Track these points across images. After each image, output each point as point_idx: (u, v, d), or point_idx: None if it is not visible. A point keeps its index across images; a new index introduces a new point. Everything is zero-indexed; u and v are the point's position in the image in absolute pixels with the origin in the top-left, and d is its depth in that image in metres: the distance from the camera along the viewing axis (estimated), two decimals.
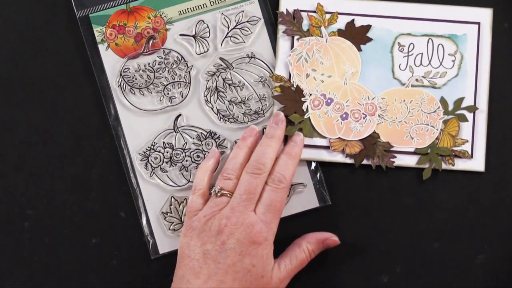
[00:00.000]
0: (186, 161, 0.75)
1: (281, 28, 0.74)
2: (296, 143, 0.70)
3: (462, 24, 0.74)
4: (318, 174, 0.75)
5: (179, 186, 0.75)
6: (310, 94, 0.74)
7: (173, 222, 0.75)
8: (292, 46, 0.74)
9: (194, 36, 0.75)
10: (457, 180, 0.75)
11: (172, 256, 0.73)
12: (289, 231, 0.72)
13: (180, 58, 0.75)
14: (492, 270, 0.73)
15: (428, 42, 0.74)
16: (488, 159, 0.74)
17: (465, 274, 0.74)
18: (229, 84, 0.75)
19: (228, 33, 0.75)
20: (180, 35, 0.75)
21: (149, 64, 0.75)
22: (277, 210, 0.66)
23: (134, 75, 0.74)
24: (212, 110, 0.75)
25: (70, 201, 0.75)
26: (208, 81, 0.75)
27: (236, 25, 0.75)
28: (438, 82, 0.74)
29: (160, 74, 0.75)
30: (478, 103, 0.74)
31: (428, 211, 0.75)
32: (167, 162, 0.74)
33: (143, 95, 0.75)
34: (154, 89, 0.74)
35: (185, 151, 0.75)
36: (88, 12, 0.74)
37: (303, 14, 0.74)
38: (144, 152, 0.75)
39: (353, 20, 0.74)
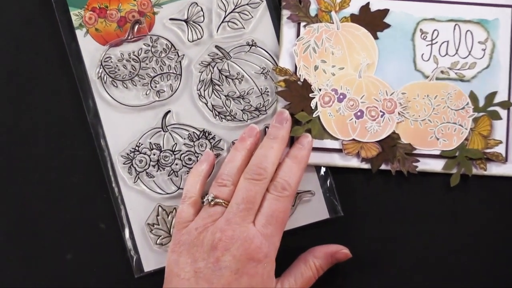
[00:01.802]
0: (176, 164, 0.73)
1: (286, 13, 0.73)
2: (303, 146, 0.68)
3: (494, 7, 0.73)
4: (328, 181, 0.73)
5: (167, 193, 0.73)
6: (320, 89, 0.72)
7: (160, 235, 0.73)
8: (298, 34, 0.73)
9: (186, 21, 0.74)
10: (490, 187, 0.73)
11: (159, 274, 0.72)
12: (294, 246, 0.70)
13: (169, 46, 0.73)
14: None
15: (454, 28, 0.73)
16: None
17: None
18: (226, 76, 0.73)
19: (225, 17, 0.74)
20: (170, 19, 0.74)
21: (134, 52, 0.73)
22: (279, 222, 0.64)
23: (117, 65, 0.73)
24: (206, 106, 0.73)
25: (41, 210, 0.74)
26: (202, 72, 0.73)
27: (234, 9, 0.74)
28: (467, 74, 0.73)
29: (147, 64, 0.74)
30: None
31: (457, 223, 0.74)
32: (154, 166, 0.73)
33: (126, 88, 0.73)
34: (139, 81, 0.73)
35: (174, 153, 0.73)
36: None
37: None
38: (127, 154, 0.73)
39: (368, 3, 0.73)
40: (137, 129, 0.73)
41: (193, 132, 0.73)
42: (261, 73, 0.74)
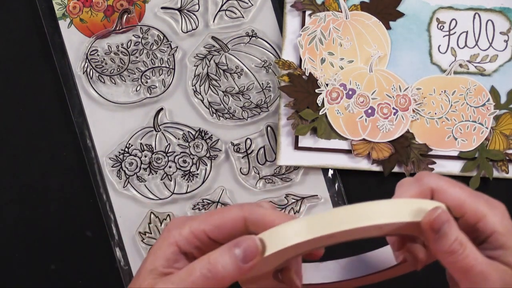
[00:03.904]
0: (170, 167, 0.74)
1: (290, 0, 0.73)
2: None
3: None
4: (336, 184, 0.74)
5: (160, 199, 0.74)
6: (327, 85, 0.72)
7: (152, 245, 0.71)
8: (303, 24, 0.73)
9: (179, 10, 0.74)
10: None
11: None
12: None
13: (161, 38, 0.74)
14: None
15: (474, 17, 0.73)
16: None
17: None
18: (224, 70, 0.74)
19: (222, 5, 0.74)
20: (162, 8, 0.74)
21: (122, 45, 0.74)
22: None
23: (104, 59, 0.74)
24: (202, 103, 0.74)
25: (23, 216, 0.75)
26: (198, 66, 0.74)
27: None
28: (488, 68, 0.73)
29: (137, 57, 0.74)
30: None
31: None
32: (145, 169, 0.74)
33: (115, 84, 0.74)
34: (128, 76, 0.74)
35: (168, 155, 0.74)
36: None
37: None
38: (116, 156, 0.74)
39: None
40: (127, 128, 0.74)
41: (188, 131, 0.74)
42: (262, 66, 0.74)
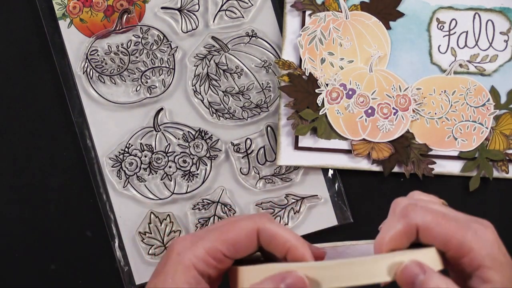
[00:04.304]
0: (170, 167, 0.74)
1: (290, 0, 0.73)
2: None
3: None
4: (336, 185, 0.74)
5: (160, 199, 0.74)
6: (327, 85, 0.73)
7: (152, 245, 0.74)
8: (303, 24, 0.73)
9: (179, 10, 0.74)
10: None
11: None
12: None
13: (161, 38, 0.74)
14: None
15: (474, 17, 0.73)
16: None
17: None
18: (224, 70, 0.74)
19: (222, 5, 0.74)
20: (162, 8, 0.74)
21: (122, 45, 0.74)
22: None
23: (104, 59, 0.74)
24: (202, 103, 0.74)
25: (23, 216, 0.75)
26: (198, 66, 0.74)
27: None
28: (488, 68, 0.73)
29: (137, 57, 0.74)
30: None
31: None
32: (145, 169, 0.74)
33: (115, 84, 0.74)
34: (128, 76, 0.74)
35: (168, 155, 0.74)
36: None
37: None
38: (116, 156, 0.74)
39: None
40: (127, 128, 0.74)
41: (188, 131, 0.74)
42: (262, 66, 0.74)
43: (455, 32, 0.73)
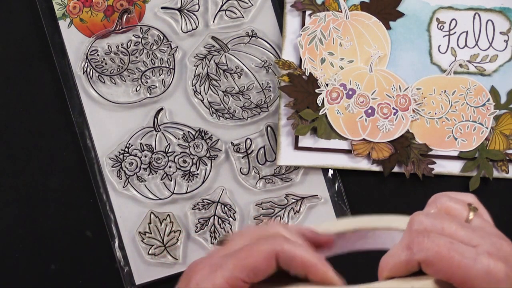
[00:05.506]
0: (170, 167, 0.74)
1: (290, 0, 0.74)
2: None
3: None
4: (336, 185, 0.74)
5: (160, 199, 0.74)
6: (327, 85, 0.73)
7: (152, 245, 0.74)
8: (303, 24, 0.73)
9: (179, 10, 0.75)
10: None
11: None
12: None
13: (161, 38, 0.74)
14: None
15: (474, 17, 0.74)
16: None
17: None
18: (224, 70, 0.74)
19: (222, 5, 0.75)
20: (162, 8, 0.75)
21: (122, 45, 0.74)
22: None
23: (104, 59, 0.74)
24: (202, 103, 0.74)
25: (23, 216, 0.75)
26: (198, 66, 0.74)
27: None
28: (488, 68, 0.73)
29: (137, 57, 0.74)
30: None
31: None
32: (145, 169, 0.74)
33: (115, 84, 0.74)
34: (128, 76, 0.74)
35: (168, 155, 0.74)
36: None
37: None
38: (116, 156, 0.74)
39: None
40: (127, 128, 0.74)
41: (188, 131, 0.74)
42: (262, 66, 0.74)
43: (455, 32, 0.73)
